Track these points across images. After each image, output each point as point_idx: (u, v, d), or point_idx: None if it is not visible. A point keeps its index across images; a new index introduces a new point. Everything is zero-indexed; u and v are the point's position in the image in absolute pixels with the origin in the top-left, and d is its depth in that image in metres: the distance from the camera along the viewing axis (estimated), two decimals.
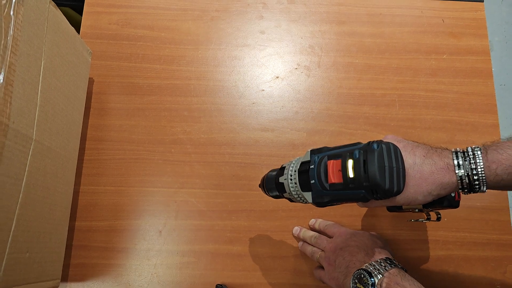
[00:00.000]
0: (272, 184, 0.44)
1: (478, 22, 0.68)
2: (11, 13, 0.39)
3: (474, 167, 0.35)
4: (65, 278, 0.53)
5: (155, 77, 0.62)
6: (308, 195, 0.39)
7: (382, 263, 0.42)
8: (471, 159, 0.36)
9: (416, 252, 0.56)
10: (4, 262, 0.38)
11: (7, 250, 0.39)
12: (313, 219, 0.56)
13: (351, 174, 0.36)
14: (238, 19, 0.66)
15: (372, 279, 0.40)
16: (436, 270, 0.56)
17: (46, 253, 0.46)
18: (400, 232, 0.57)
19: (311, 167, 0.39)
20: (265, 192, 0.46)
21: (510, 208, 0.59)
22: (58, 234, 0.50)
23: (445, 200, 0.41)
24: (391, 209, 0.48)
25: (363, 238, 0.48)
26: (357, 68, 0.64)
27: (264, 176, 0.46)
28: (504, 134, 0.62)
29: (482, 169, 0.35)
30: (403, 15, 0.67)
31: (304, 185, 0.40)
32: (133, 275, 0.54)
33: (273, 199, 0.58)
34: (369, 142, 0.37)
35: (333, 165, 0.37)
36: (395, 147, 0.37)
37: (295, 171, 0.41)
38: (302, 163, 0.41)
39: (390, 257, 0.45)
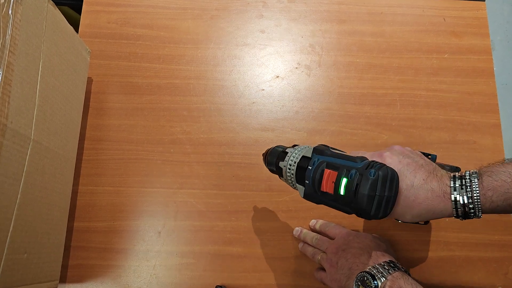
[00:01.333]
0: (273, 160, 0.45)
1: (479, 21, 0.67)
2: (10, 12, 0.38)
3: (470, 195, 0.36)
4: (63, 279, 0.53)
5: (154, 77, 0.62)
6: (301, 189, 0.41)
7: (385, 266, 0.42)
8: (468, 188, 0.36)
9: (418, 253, 0.56)
10: (1, 263, 0.38)
11: (5, 251, 0.38)
12: (313, 220, 0.56)
13: (342, 191, 0.37)
14: (238, 18, 0.66)
15: (375, 282, 0.40)
16: (438, 271, 0.55)
17: (44, 254, 0.46)
18: (402, 233, 0.57)
19: (309, 167, 0.40)
20: (265, 163, 0.47)
21: None
22: (56, 234, 0.49)
23: None
24: None
25: (366, 240, 0.48)
26: (358, 68, 0.64)
27: (270, 148, 0.47)
28: (505, 133, 0.62)
29: (478, 197, 0.36)
30: (404, 14, 0.67)
31: (300, 179, 0.41)
32: (132, 276, 0.54)
33: (273, 199, 0.58)
34: (369, 164, 0.37)
35: (328, 175, 0.38)
36: (393, 175, 0.37)
37: (294, 163, 0.42)
38: (303, 157, 0.41)
39: (394, 260, 0.44)
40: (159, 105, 0.61)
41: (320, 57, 0.64)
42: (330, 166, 0.39)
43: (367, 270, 0.42)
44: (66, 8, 0.75)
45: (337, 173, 0.37)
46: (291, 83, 0.63)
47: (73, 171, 0.54)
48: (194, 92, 0.62)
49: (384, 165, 0.37)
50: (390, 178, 0.36)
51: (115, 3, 0.65)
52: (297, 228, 0.56)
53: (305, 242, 0.54)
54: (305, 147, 0.43)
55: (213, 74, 0.63)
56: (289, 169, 0.42)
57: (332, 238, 0.51)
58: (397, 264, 0.43)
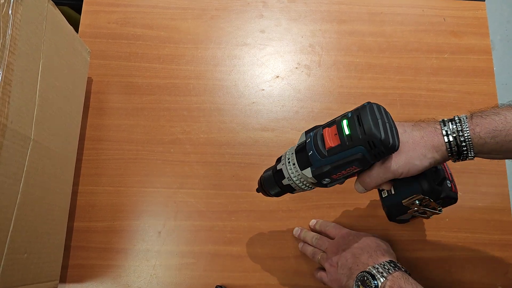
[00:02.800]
0: (271, 179, 0.44)
1: (479, 21, 0.67)
2: (10, 12, 0.38)
3: (460, 129, 0.37)
4: (63, 279, 0.53)
5: (154, 77, 0.62)
6: (307, 172, 0.40)
7: (385, 266, 0.42)
8: (457, 122, 0.38)
9: (418, 253, 0.56)
10: (2, 263, 0.38)
11: (5, 251, 0.38)
12: (313, 220, 0.56)
13: (346, 131, 0.37)
14: (238, 18, 0.66)
15: (375, 282, 0.40)
16: (438, 270, 0.55)
17: (45, 254, 0.46)
18: (402, 232, 0.57)
19: (307, 141, 0.40)
20: (264, 193, 0.46)
21: (511, 209, 0.58)
22: (56, 234, 0.49)
23: (443, 191, 0.42)
24: (391, 214, 0.47)
25: (366, 239, 0.48)
26: (358, 67, 0.64)
27: (260, 178, 0.46)
28: None
29: (468, 132, 0.37)
30: (404, 14, 0.67)
31: (303, 162, 0.40)
32: (132, 276, 0.54)
33: (273, 199, 0.58)
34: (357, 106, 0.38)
35: (328, 132, 0.38)
36: (384, 108, 0.39)
37: (292, 153, 0.42)
38: (299, 145, 0.42)
39: (394, 259, 0.44)
40: (159, 105, 0.61)
41: (320, 57, 0.64)
42: (326, 126, 0.39)
43: (367, 270, 0.42)
44: (66, 8, 0.75)
45: (335, 125, 0.38)
46: (291, 83, 0.63)
47: (73, 171, 0.54)
48: (194, 92, 0.62)
49: None
50: (383, 109, 0.38)
51: (115, 3, 0.65)
52: (297, 228, 0.56)
53: (305, 242, 0.54)
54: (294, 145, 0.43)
55: (213, 74, 0.63)
56: (289, 161, 0.41)
57: (332, 238, 0.51)
58: (398, 264, 0.43)
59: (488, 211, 0.58)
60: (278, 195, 0.45)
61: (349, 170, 0.38)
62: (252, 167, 0.58)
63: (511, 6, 1.56)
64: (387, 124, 0.37)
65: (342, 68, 0.64)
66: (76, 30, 0.58)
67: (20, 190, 0.40)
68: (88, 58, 0.58)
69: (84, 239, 0.55)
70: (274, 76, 0.63)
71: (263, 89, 0.62)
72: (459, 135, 0.37)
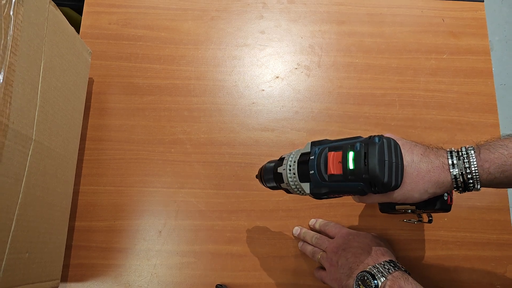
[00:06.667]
0: (270, 175, 0.44)
1: (478, 21, 0.68)
2: (11, 13, 0.38)
3: (467, 166, 0.36)
4: (64, 279, 0.53)
5: (155, 77, 0.62)
6: (306, 186, 0.40)
7: (386, 266, 0.42)
8: (465, 158, 0.37)
9: (417, 252, 0.56)
10: (3, 263, 0.38)
11: (6, 250, 0.39)
12: (313, 219, 0.56)
13: (351, 165, 0.36)
14: (238, 19, 0.66)
15: (375, 282, 0.40)
16: (437, 270, 0.56)
17: (46, 253, 0.46)
18: (401, 232, 0.57)
19: (311, 157, 0.39)
20: (262, 182, 0.47)
21: (510, 208, 0.59)
22: (57, 234, 0.49)
23: (438, 203, 0.42)
24: (383, 209, 0.48)
25: (366, 239, 0.48)
26: (357, 68, 0.64)
27: (262, 167, 0.47)
28: (504, 133, 0.62)
29: (476, 168, 0.36)
30: (403, 15, 0.67)
31: (303, 176, 0.40)
32: (132, 276, 0.54)
33: (273, 199, 0.58)
34: (370, 136, 0.38)
35: (333, 157, 0.37)
36: (396, 143, 0.38)
37: (294, 162, 0.41)
38: (302, 154, 0.41)
39: (394, 259, 0.44)
40: (159, 105, 0.61)
41: (320, 57, 0.65)
42: (332, 148, 0.38)
43: (367, 269, 0.42)
44: (67, 9, 0.75)
45: (341, 152, 0.37)
46: (291, 84, 0.63)
47: (74, 171, 0.54)
48: (195, 92, 0.62)
49: (384, 135, 0.38)
50: (394, 145, 0.37)
51: (116, 4, 0.65)
52: (296, 227, 0.56)
53: (305, 241, 0.54)
54: (301, 148, 0.43)
55: (214, 75, 0.63)
56: (290, 169, 0.41)
57: (331, 237, 0.51)
58: (397, 264, 0.43)
59: (486, 211, 0.58)
60: (273, 189, 0.46)
61: (347, 195, 0.40)
62: (252, 167, 0.59)
63: (509, 7, 1.57)
64: (393, 164, 0.36)
65: (342, 68, 0.64)
66: (77, 31, 0.58)
67: (21, 190, 0.40)
68: (89, 59, 0.58)
69: (85, 238, 0.55)
70: (274, 77, 0.63)
71: (263, 90, 0.63)
72: (467, 172, 0.36)
